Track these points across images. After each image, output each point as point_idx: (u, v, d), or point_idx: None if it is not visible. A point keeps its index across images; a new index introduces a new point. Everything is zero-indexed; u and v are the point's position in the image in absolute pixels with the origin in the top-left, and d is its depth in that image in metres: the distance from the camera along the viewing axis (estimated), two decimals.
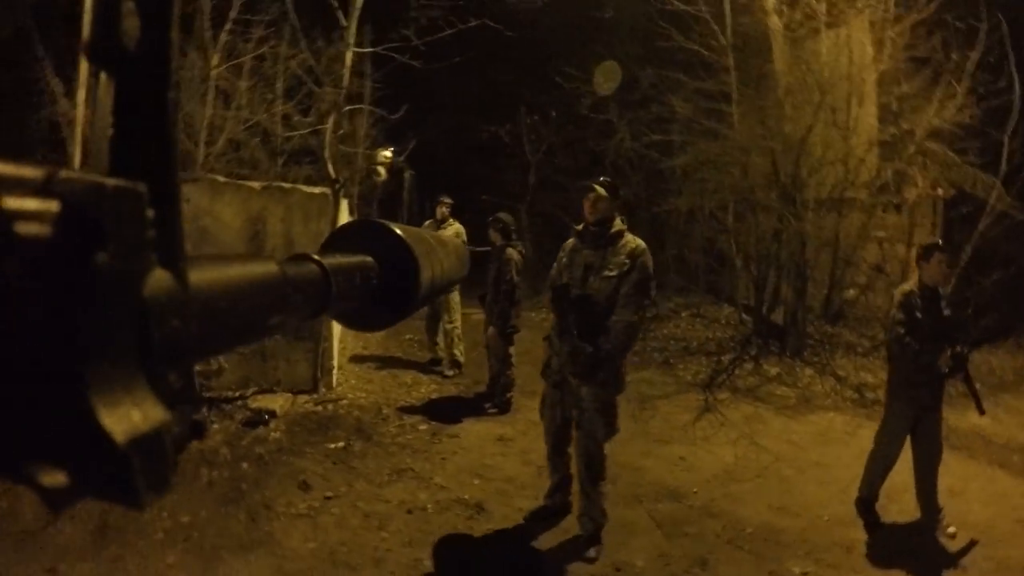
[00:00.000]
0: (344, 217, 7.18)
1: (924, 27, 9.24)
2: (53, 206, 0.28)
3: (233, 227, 6.38)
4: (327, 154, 7.07)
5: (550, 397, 4.24)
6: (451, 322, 7.96)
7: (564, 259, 4.12)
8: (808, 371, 8.42)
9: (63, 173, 0.30)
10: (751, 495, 5.00)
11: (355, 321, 0.81)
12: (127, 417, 0.29)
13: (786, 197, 9.13)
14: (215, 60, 9.17)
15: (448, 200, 8.08)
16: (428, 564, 3.85)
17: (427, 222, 8.19)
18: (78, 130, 6.09)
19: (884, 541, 4.41)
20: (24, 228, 0.27)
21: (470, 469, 5.25)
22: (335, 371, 7.07)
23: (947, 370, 4.24)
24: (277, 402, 6.20)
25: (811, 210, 9.42)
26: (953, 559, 4.22)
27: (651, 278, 3.87)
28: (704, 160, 10.34)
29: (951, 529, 4.44)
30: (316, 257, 0.61)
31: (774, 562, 4.05)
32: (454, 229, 7.62)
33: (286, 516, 4.29)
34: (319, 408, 6.37)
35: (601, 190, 3.90)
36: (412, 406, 6.76)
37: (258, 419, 5.83)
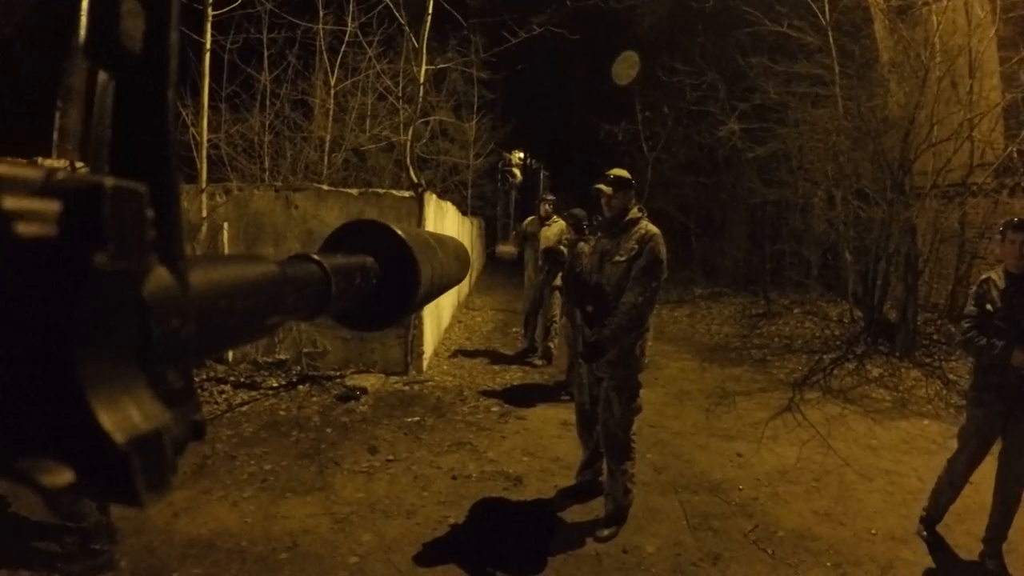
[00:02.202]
0: (434, 216, 7.88)
1: None
2: (53, 206, 0.29)
3: (335, 228, 7.15)
4: (408, 162, 7.69)
5: (579, 377, 4.57)
6: (553, 316, 8.31)
7: (588, 250, 4.39)
8: (914, 373, 7.98)
9: (63, 173, 0.31)
10: (799, 498, 4.90)
11: (355, 321, 0.79)
12: (127, 417, 0.30)
13: (894, 183, 8.65)
14: (334, 78, 10.19)
15: (551, 197, 8.44)
16: (451, 521, 4.30)
17: (530, 218, 8.56)
18: (203, 152, 7.10)
19: (932, 566, 4.08)
20: (24, 228, 0.27)
21: (524, 447, 5.61)
22: (425, 356, 7.67)
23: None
24: (369, 381, 6.90)
25: (929, 197, 8.82)
26: None
27: (659, 262, 3.96)
28: (809, 147, 9.96)
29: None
30: (316, 257, 0.62)
31: (792, 568, 3.94)
32: (558, 227, 7.92)
33: (349, 472, 5.01)
34: (406, 388, 7.02)
35: (608, 188, 4.08)
36: (492, 390, 7.21)
37: (350, 394, 6.58)
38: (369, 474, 4.96)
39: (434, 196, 8.34)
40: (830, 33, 9.63)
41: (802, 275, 12.79)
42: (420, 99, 7.96)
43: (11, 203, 0.28)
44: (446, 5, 8.40)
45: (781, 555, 4.10)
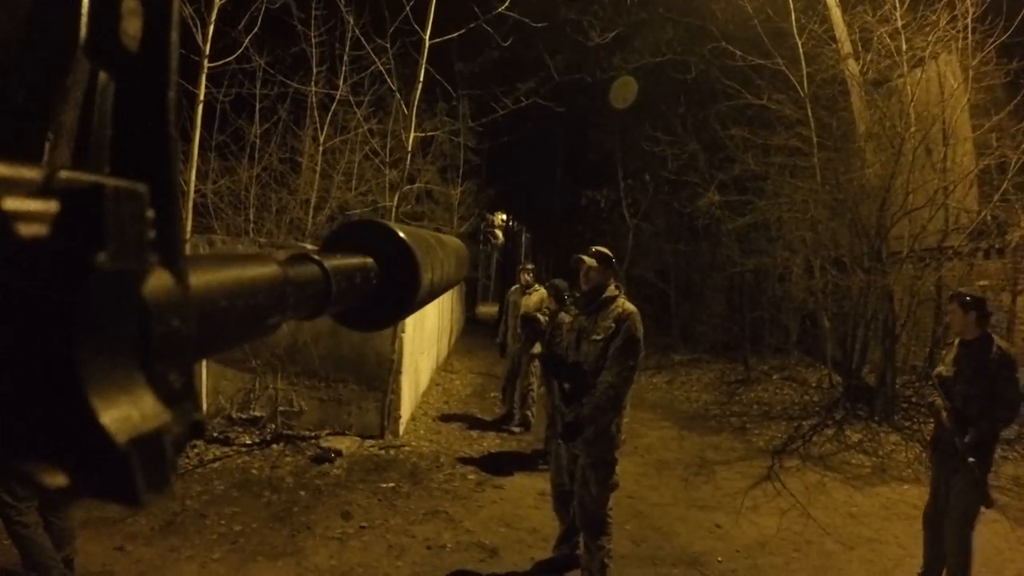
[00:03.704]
0: None
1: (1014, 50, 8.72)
2: (52, 206, 0.29)
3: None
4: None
5: (556, 456, 4.54)
6: (529, 384, 8.32)
7: (566, 327, 4.41)
8: (894, 437, 8.03)
9: (63, 173, 0.31)
10: (779, 569, 4.89)
11: (355, 321, 0.78)
12: (127, 417, 0.30)
13: (871, 250, 8.84)
14: (323, 135, 10.37)
15: (530, 266, 8.57)
16: None
17: (513, 287, 8.66)
18: (190, 201, 7.17)
19: None
20: (23, 228, 0.28)
21: (501, 517, 5.53)
22: (402, 420, 7.60)
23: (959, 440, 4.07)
24: (344, 443, 6.79)
25: (906, 262, 9.04)
26: None
27: (636, 341, 3.98)
28: (788, 216, 10.21)
29: None
30: (316, 257, 0.61)
31: None
32: (539, 295, 8.00)
33: (321, 537, 4.91)
34: (382, 452, 6.93)
35: (591, 260, 4.14)
36: (469, 457, 7.12)
37: (325, 456, 6.49)
38: (342, 540, 4.87)
39: None
40: (808, 105, 9.98)
41: (781, 341, 12.94)
42: (407, 164, 8.06)
43: (11, 203, 0.28)
44: (436, 75, 8.61)
45: None
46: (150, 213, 0.34)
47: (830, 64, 10.12)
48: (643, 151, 13.72)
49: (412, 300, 0.79)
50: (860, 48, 9.86)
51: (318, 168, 10.72)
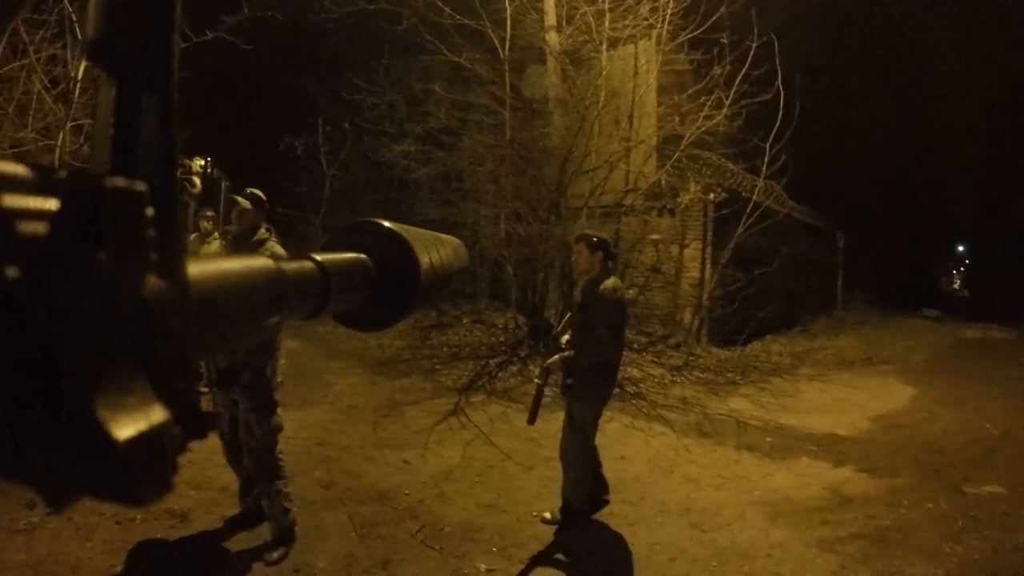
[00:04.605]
0: None
1: (702, 44, 10.40)
2: (53, 205, 0.29)
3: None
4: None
5: (216, 404, 4.51)
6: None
7: None
8: None
9: (63, 173, 0.31)
10: (463, 494, 5.26)
11: (356, 321, 0.78)
12: (127, 417, 0.30)
13: (550, 204, 9.75)
14: None
15: (210, 214, 8.01)
16: (118, 570, 3.97)
17: (193, 235, 8.07)
18: None
19: (583, 534, 4.67)
20: (24, 227, 0.27)
21: (190, 481, 5.27)
22: None
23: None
24: None
25: (584, 216, 10.13)
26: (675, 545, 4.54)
27: None
28: (474, 169, 10.88)
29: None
30: (316, 256, 0.62)
31: (461, 560, 4.23)
32: (218, 244, 7.55)
33: (7, 531, 4.36)
34: None
35: (245, 202, 4.29)
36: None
37: None
38: (29, 532, 4.34)
39: None
40: (506, 67, 10.67)
41: (472, 288, 13.66)
42: (75, 98, 7.14)
43: (11, 202, 0.28)
44: None
45: (449, 549, 4.37)
46: (150, 213, 0.33)
47: (531, 32, 10.86)
48: (344, 99, 13.56)
49: (413, 299, 0.79)
50: (564, 23, 10.77)
51: None
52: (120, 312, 0.31)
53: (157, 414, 0.32)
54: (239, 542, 4.36)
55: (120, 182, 0.32)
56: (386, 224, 0.81)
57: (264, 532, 4.39)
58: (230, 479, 5.23)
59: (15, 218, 0.28)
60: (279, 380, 4.25)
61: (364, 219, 0.82)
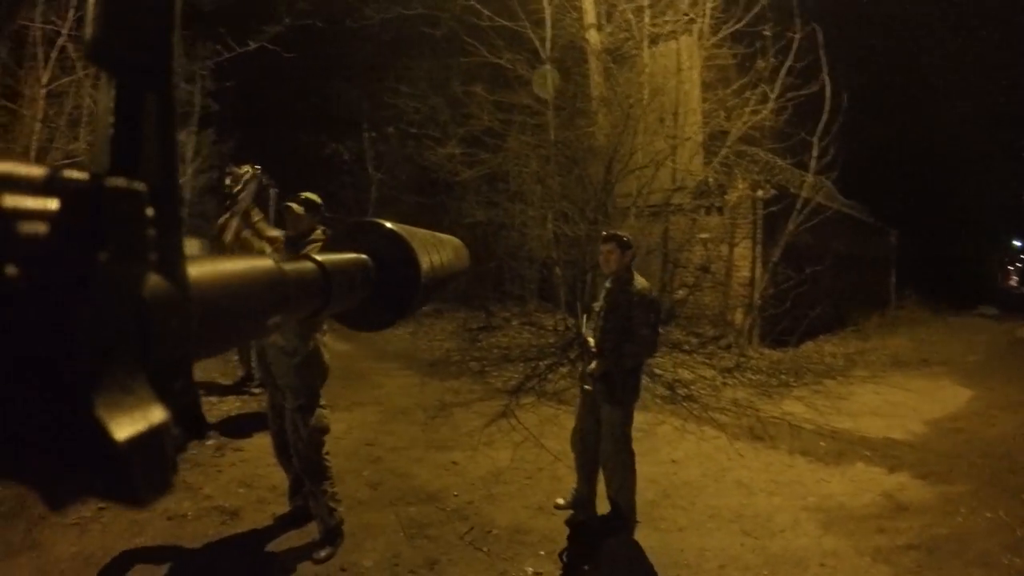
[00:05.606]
0: None
1: (745, 37, 10.26)
2: (53, 205, 0.29)
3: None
4: None
5: (271, 408, 4.58)
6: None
7: None
8: None
9: (63, 173, 0.31)
10: (513, 496, 5.25)
11: (356, 321, 0.79)
12: (127, 417, 0.30)
13: (597, 204, 9.70)
14: (46, 76, 9.14)
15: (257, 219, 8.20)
16: (169, 565, 4.06)
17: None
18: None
19: (632, 540, 4.60)
20: (24, 227, 0.28)
21: (241, 479, 5.41)
22: None
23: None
24: None
25: (635, 216, 10.07)
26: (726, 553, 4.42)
27: None
28: (521, 171, 10.88)
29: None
30: (316, 256, 0.62)
31: (509, 562, 4.20)
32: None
33: (60, 525, 4.49)
34: None
35: (299, 208, 4.39)
36: (209, 423, 6.85)
37: None
38: (81, 526, 4.48)
39: None
40: (548, 68, 10.70)
41: (521, 289, 13.67)
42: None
43: (12, 202, 0.28)
44: None
45: (496, 551, 4.35)
46: (150, 213, 0.34)
47: (572, 31, 10.84)
48: (387, 104, 13.74)
49: (413, 299, 0.79)
50: (604, 20, 10.74)
51: (39, 115, 9.40)
52: (120, 312, 0.31)
53: (157, 414, 0.32)
54: (288, 540, 4.43)
55: (120, 182, 0.32)
56: (387, 224, 0.81)
57: (313, 531, 4.44)
58: (280, 478, 5.32)
59: (15, 218, 0.28)
60: (323, 382, 4.30)
61: (365, 219, 0.82)
